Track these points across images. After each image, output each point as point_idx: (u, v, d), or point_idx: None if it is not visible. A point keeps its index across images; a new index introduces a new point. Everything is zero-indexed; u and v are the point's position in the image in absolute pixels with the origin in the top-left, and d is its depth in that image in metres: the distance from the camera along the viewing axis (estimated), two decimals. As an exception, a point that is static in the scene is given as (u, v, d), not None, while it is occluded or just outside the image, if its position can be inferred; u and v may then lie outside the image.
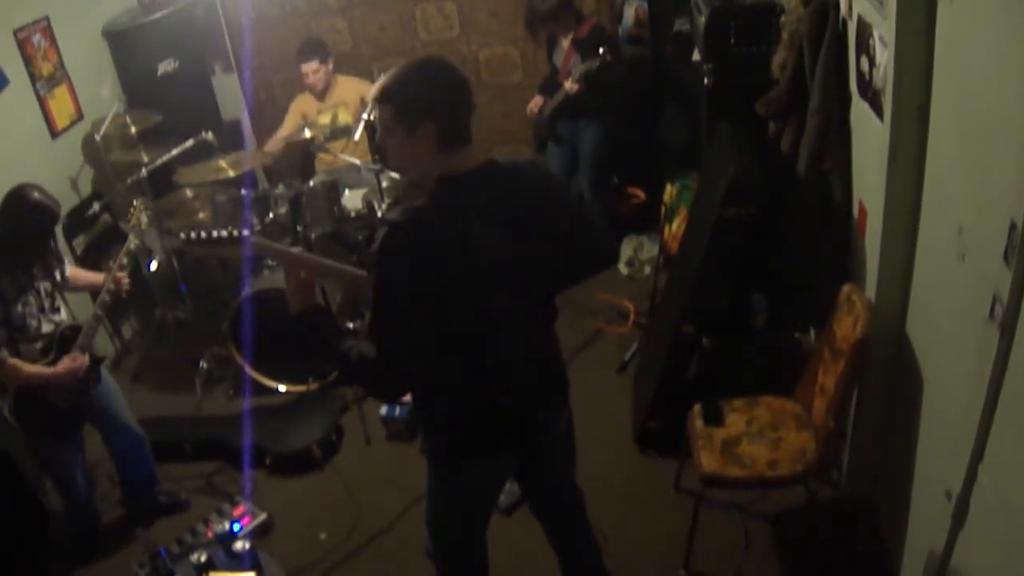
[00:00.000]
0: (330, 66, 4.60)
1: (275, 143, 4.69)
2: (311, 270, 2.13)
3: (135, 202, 3.33)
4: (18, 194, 2.87)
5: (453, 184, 1.92)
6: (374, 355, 1.85)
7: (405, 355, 1.89)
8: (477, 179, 1.94)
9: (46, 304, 2.97)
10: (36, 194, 2.89)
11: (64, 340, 2.96)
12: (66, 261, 3.16)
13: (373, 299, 1.87)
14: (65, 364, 2.90)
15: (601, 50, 4.00)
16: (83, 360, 2.94)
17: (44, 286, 2.98)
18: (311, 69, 4.54)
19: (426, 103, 1.86)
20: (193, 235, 2.10)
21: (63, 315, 3.04)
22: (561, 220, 2.09)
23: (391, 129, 1.91)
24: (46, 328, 2.95)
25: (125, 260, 3.10)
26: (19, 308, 2.86)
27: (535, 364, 2.16)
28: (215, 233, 2.09)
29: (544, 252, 2.03)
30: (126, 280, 3.10)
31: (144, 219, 3.24)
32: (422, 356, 1.92)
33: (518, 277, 2.00)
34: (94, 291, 3.14)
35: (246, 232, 2.11)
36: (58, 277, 3.05)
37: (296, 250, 2.35)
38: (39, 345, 2.93)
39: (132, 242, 3.16)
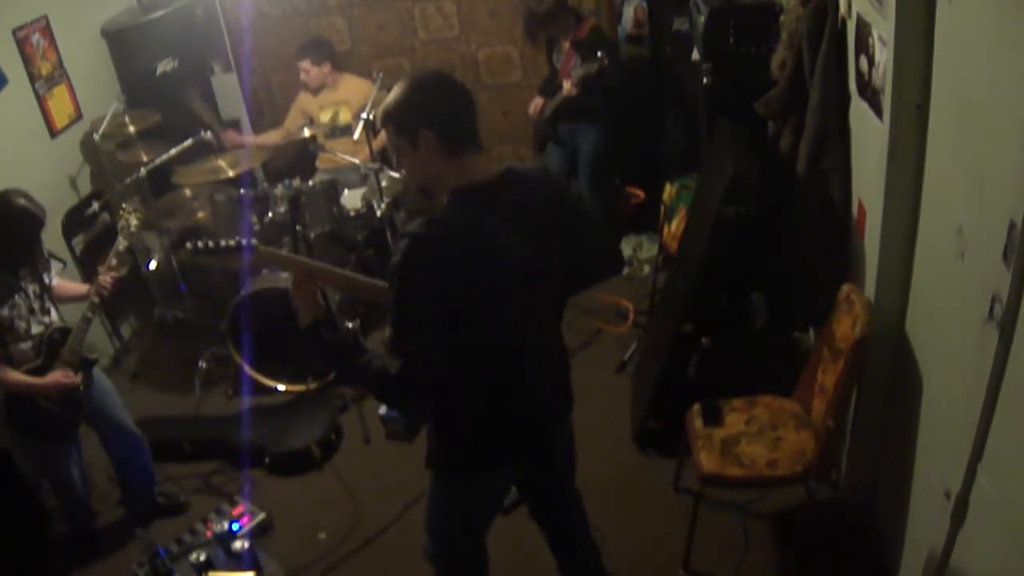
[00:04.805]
0: (325, 68, 4.69)
1: (274, 136, 4.92)
2: (319, 277, 2.09)
3: (124, 205, 3.30)
4: (2, 200, 2.90)
5: (471, 193, 1.91)
6: (397, 370, 1.83)
7: (430, 369, 1.86)
8: (495, 188, 1.94)
9: (35, 306, 2.99)
10: (21, 200, 2.92)
11: (52, 342, 2.98)
12: (53, 270, 3.15)
13: (395, 313, 1.84)
14: (55, 377, 2.92)
15: (599, 53, 3.99)
16: (74, 380, 2.96)
17: (33, 289, 3.00)
18: (303, 68, 4.70)
19: (419, 112, 1.87)
20: (200, 244, 2.06)
21: (53, 317, 3.06)
22: (574, 227, 2.09)
23: (398, 148, 1.91)
24: (36, 329, 2.97)
25: (115, 261, 3.10)
26: (6, 311, 2.88)
27: (552, 373, 2.16)
28: (222, 243, 2.05)
29: (559, 259, 2.03)
30: (110, 281, 3.08)
31: (134, 221, 3.21)
32: (446, 369, 1.88)
33: (537, 285, 2.00)
34: (80, 301, 3.13)
35: (252, 241, 2.06)
36: (47, 280, 3.07)
37: (300, 258, 2.31)
38: (28, 345, 2.95)
39: (121, 244, 3.15)
